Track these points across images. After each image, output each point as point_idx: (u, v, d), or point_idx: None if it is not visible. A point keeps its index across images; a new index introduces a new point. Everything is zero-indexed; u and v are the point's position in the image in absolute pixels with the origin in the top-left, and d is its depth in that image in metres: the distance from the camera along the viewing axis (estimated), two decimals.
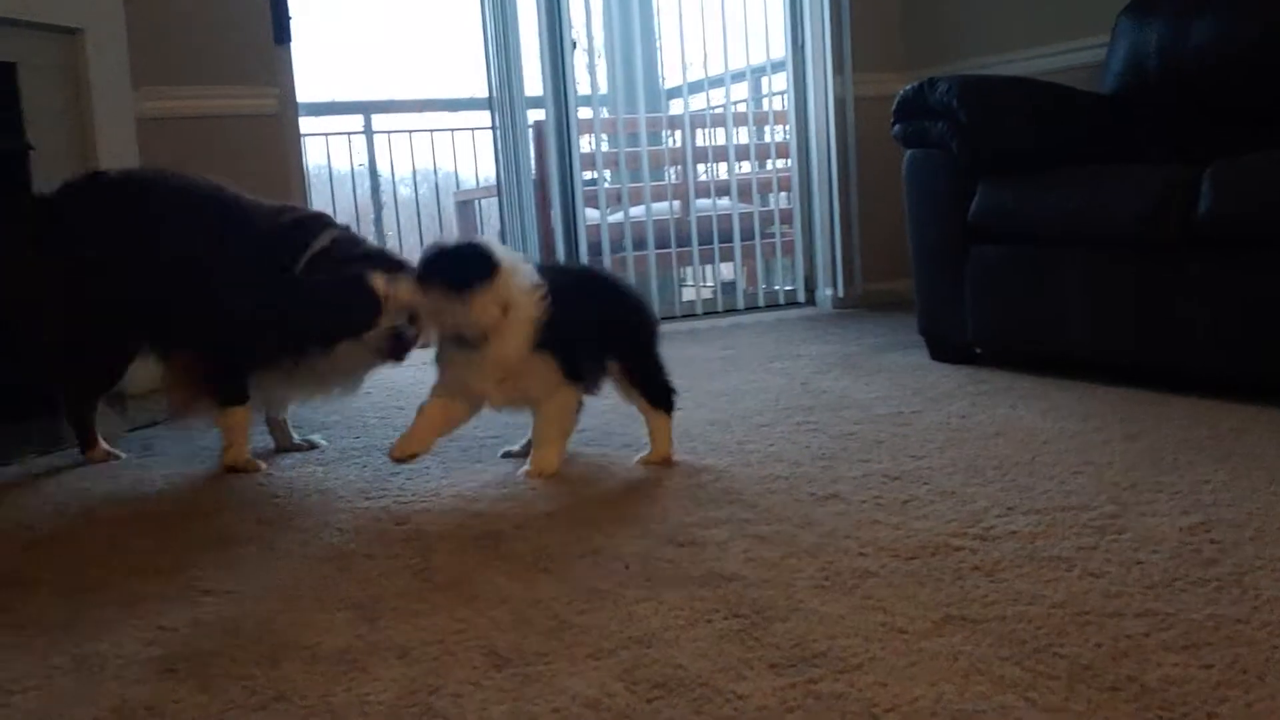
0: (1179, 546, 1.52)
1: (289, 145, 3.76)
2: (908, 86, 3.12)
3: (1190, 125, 3.06)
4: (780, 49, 4.60)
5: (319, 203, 5.44)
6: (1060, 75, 3.49)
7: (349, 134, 5.94)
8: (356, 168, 5.97)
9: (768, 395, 2.77)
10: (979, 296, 2.96)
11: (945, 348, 3.13)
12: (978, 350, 3.07)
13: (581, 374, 2.09)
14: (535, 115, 4.26)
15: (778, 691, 1.15)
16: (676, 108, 5.39)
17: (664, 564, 1.56)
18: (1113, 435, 2.16)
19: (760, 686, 1.16)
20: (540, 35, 4.15)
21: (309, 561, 1.68)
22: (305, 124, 3.89)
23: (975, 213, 2.93)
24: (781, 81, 4.70)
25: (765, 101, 5.07)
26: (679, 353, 3.54)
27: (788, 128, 4.62)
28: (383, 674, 1.25)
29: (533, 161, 4.28)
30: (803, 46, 4.47)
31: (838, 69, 4.42)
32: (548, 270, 2.09)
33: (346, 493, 2.07)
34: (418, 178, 6.20)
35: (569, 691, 1.17)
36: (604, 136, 4.87)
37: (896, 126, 3.17)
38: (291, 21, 3.75)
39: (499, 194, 4.21)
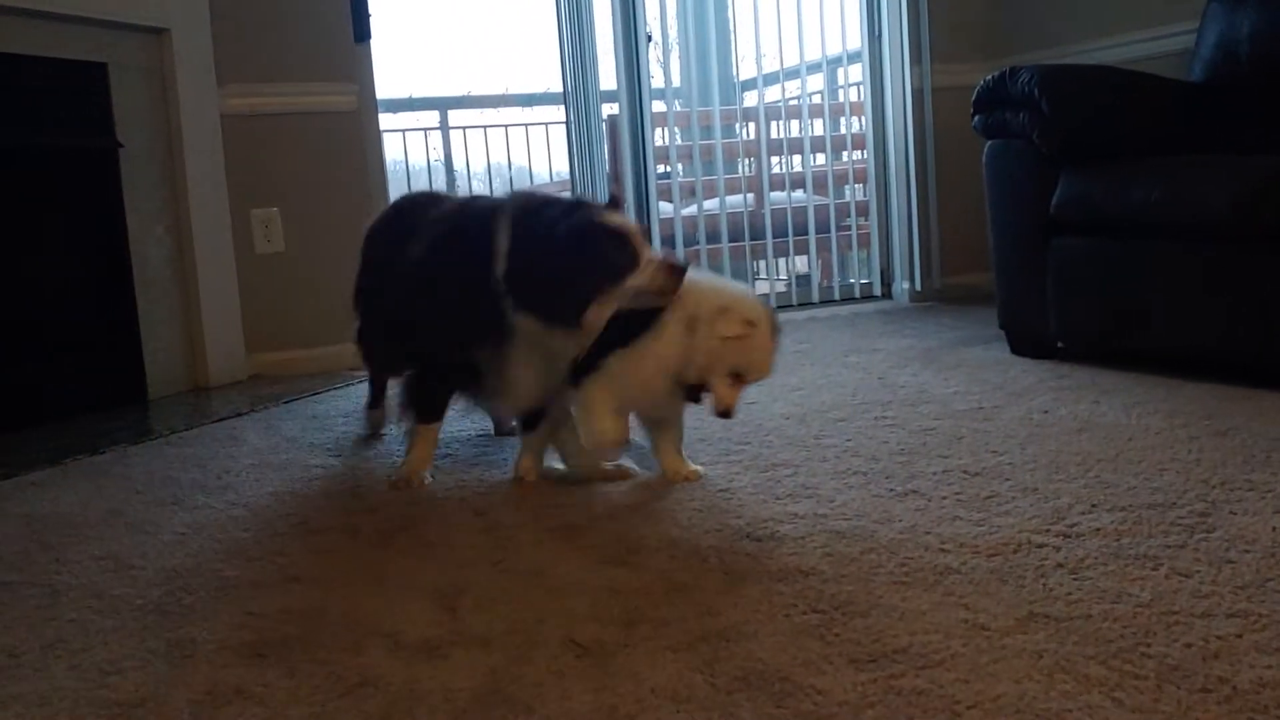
0: (1272, 546, 1.48)
1: (369, 141, 3.82)
2: (988, 77, 3.07)
3: None
4: (857, 39, 4.56)
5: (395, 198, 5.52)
6: (1145, 63, 3.41)
7: (425, 129, 6.02)
8: (433, 163, 6.05)
9: (844, 390, 2.75)
10: (1061, 289, 2.90)
11: (1026, 342, 3.08)
12: (1060, 344, 3.01)
13: None
14: (609, 109, 4.27)
15: (858, 686, 1.14)
16: (750, 100, 5.36)
17: (742, 558, 1.56)
18: (1200, 431, 2.11)
19: (840, 681, 1.16)
20: (615, 29, 4.16)
21: (391, 551, 1.71)
22: (383, 120, 3.95)
23: (1057, 204, 2.88)
24: (857, 72, 4.65)
25: (841, 93, 5.03)
26: None
27: (864, 119, 4.58)
28: (465, 662, 1.27)
29: (606, 155, 4.29)
30: (880, 36, 4.43)
31: (915, 59, 4.36)
32: None
33: (427, 483, 2.10)
34: (492, 172, 6.26)
35: (649, 683, 1.18)
36: (677, 130, 4.86)
37: (976, 117, 3.12)
38: (371, 19, 3.81)
39: (572, 188, 4.24)
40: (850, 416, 2.43)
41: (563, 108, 4.21)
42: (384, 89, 4.13)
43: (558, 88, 4.18)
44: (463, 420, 2.64)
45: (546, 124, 5.98)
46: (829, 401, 2.61)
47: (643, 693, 1.16)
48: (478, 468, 2.20)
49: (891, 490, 1.84)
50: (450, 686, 1.21)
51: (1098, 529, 1.58)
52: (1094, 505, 1.69)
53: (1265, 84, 3.02)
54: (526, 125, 6.08)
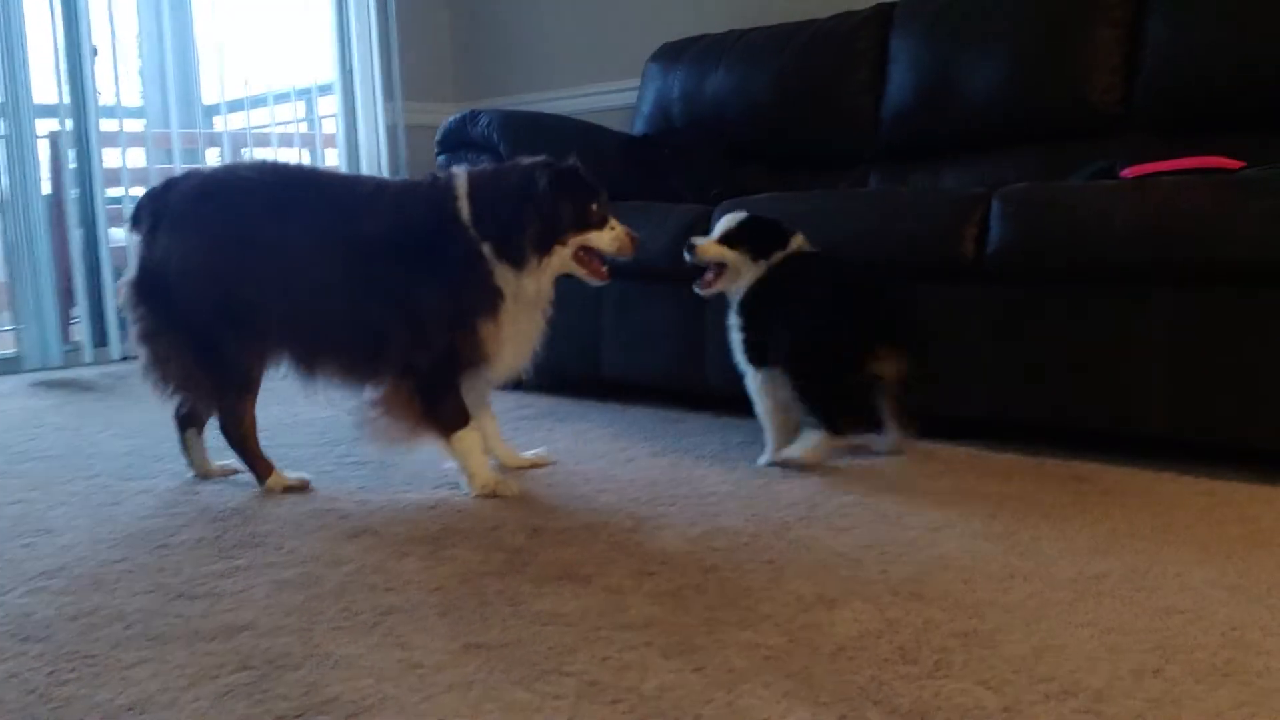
0: (685, 555, 1.63)
1: None
2: (450, 118, 3.16)
3: (712, 166, 3.33)
4: (330, 72, 4.48)
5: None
6: (598, 115, 3.70)
7: None
8: None
9: (312, 429, 2.66)
10: None
11: None
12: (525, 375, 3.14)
13: None
14: (49, 125, 3.83)
15: None
16: (221, 125, 5.08)
17: (172, 619, 1.43)
18: (639, 453, 2.30)
19: None
20: (54, 38, 3.75)
21: None
22: None
23: None
24: (332, 105, 4.57)
25: (318, 124, 4.91)
26: None
27: (338, 152, 4.52)
28: None
29: (46, 176, 3.83)
30: (351, 70, 4.39)
31: (388, 95, 4.39)
32: None
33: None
34: None
35: None
36: (132, 152, 4.47)
37: (441, 156, 3.19)
38: None
39: (1, 211, 3.73)
40: (316, 456, 2.36)
41: None
42: None
43: None
44: None
45: None
46: (292, 440, 2.51)
47: None
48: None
49: (345, 531, 1.80)
50: None
51: (537, 555, 1.65)
52: (535, 530, 1.77)
53: (695, 138, 3.38)
54: None
